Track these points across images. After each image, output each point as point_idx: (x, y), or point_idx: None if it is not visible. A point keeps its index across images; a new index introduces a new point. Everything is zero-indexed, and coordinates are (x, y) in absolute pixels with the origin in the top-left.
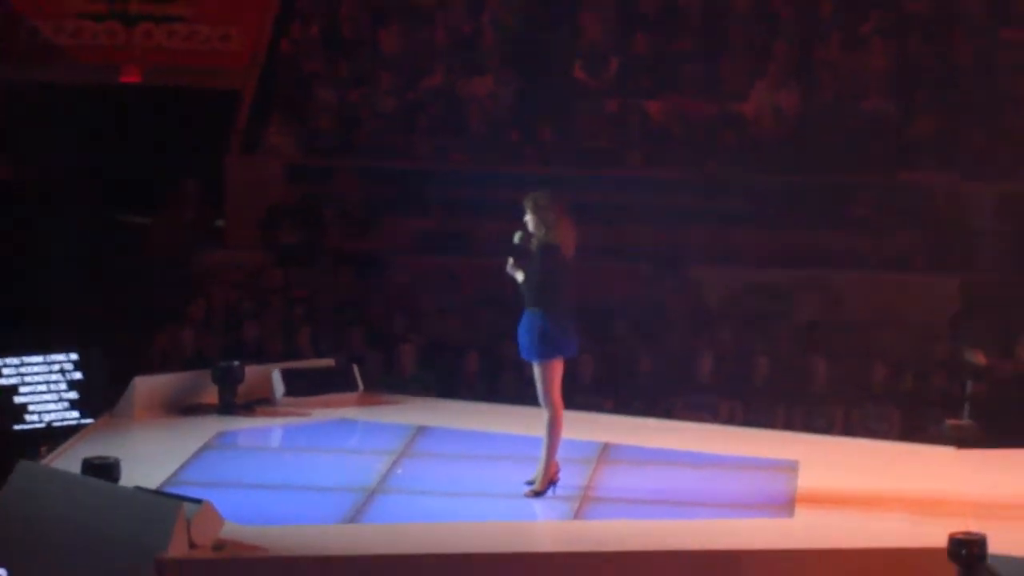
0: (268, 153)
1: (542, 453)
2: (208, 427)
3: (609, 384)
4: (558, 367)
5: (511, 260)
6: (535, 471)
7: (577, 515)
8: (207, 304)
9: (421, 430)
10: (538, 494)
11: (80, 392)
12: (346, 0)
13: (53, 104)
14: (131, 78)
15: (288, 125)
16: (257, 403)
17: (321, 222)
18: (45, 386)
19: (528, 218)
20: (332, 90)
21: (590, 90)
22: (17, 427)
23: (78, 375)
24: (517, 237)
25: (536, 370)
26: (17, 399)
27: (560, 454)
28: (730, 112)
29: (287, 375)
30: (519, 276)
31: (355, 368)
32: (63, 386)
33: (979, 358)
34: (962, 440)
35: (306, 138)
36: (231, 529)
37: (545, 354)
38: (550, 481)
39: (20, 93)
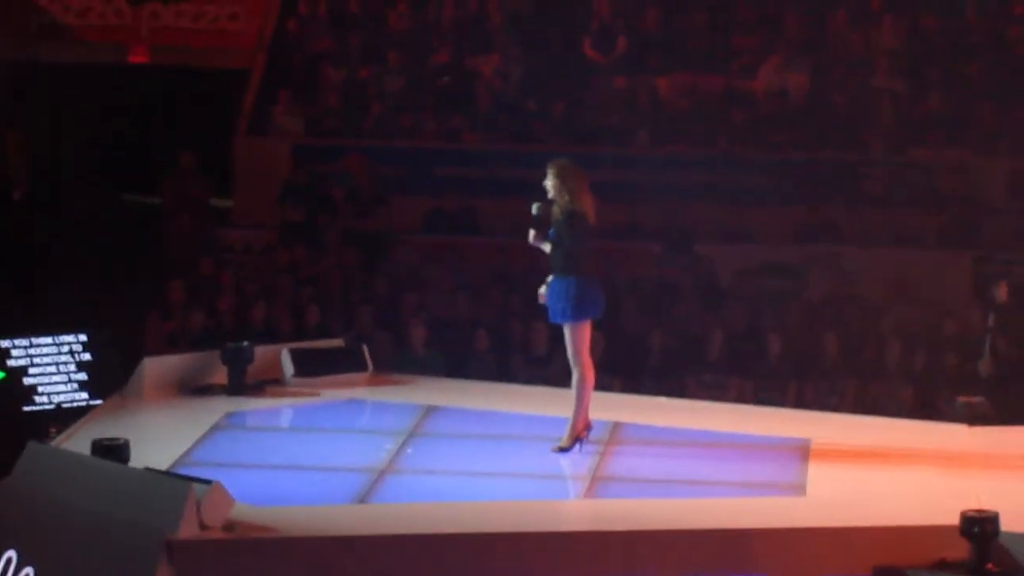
0: (276, 133)
1: (572, 411)
2: (218, 408)
3: (619, 363)
4: (587, 329)
5: (532, 232)
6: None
7: (587, 494)
8: (216, 284)
9: (431, 410)
10: (564, 450)
11: (89, 373)
12: None
13: (61, 85)
14: (139, 58)
15: (296, 105)
16: (267, 383)
17: (330, 202)
18: (55, 367)
19: (550, 185)
20: (340, 69)
21: (599, 67)
22: (27, 408)
23: (87, 356)
24: (535, 208)
25: (567, 332)
26: (27, 380)
27: None
28: (739, 89)
29: (296, 355)
30: (545, 247)
31: (364, 348)
32: (72, 367)
33: (1002, 292)
34: (974, 417)
35: (314, 118)
36: (241, 510)
37: (577, 317)
38: (577, 438)
39: (29, 74)
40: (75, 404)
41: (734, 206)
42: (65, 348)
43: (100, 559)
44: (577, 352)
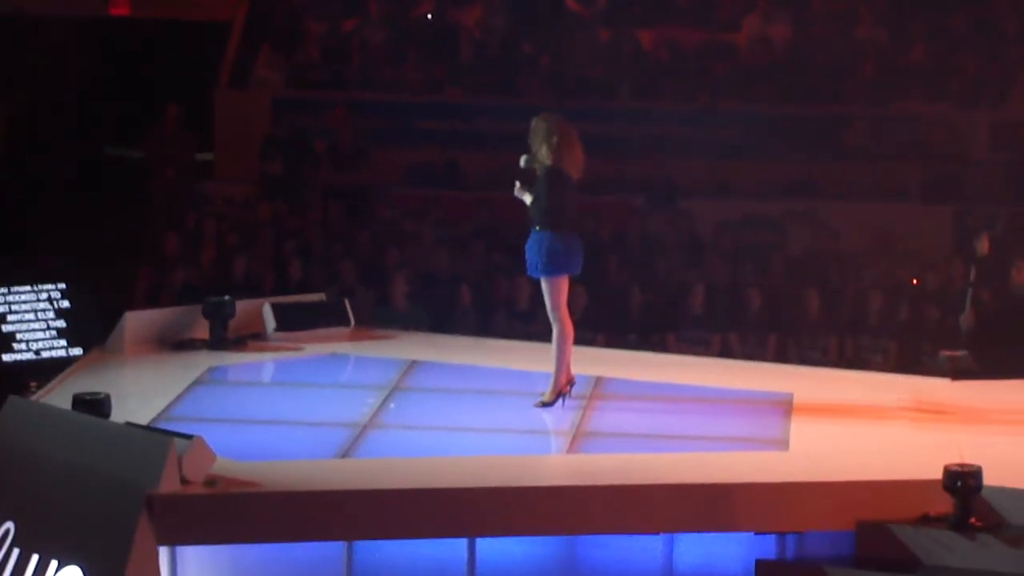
0: (257, 86)
1: (553, 366)
2: (199, 362)
3: (601, 317)
4: (565, 284)
5: (517, 184)
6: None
7: (570, 449)
8: (197, 237)
9: (413, 364)
10: (546, 404)
11: (68, 321)
12: None
13: (42, 38)
14: (120, 11)
15: (277, 57)
16: (248, 338)
17: (311, 155)
18: (33, 315)
19: (533, 139)
20: (321, 21)
21: (582, 20)
22: (6, 357)
23: (66, 304)
24: (523, 161)
25: (544, 286)
26: (5, 328)
27: None
28: (722, 42)
29: (278, 310)
30: (527, 198)
31: (346, 302)
32: (51, 315)
33: (984, 245)
34: (957, 371)
35: (295, 70)
36: (223, 465)
37: (553, 271)
38: (559, 393)
39: (8, 26)
40: (54, 352)
41: (716, 160)
42: (44, 296)
43: (80, 514)
44: (555, 307)
